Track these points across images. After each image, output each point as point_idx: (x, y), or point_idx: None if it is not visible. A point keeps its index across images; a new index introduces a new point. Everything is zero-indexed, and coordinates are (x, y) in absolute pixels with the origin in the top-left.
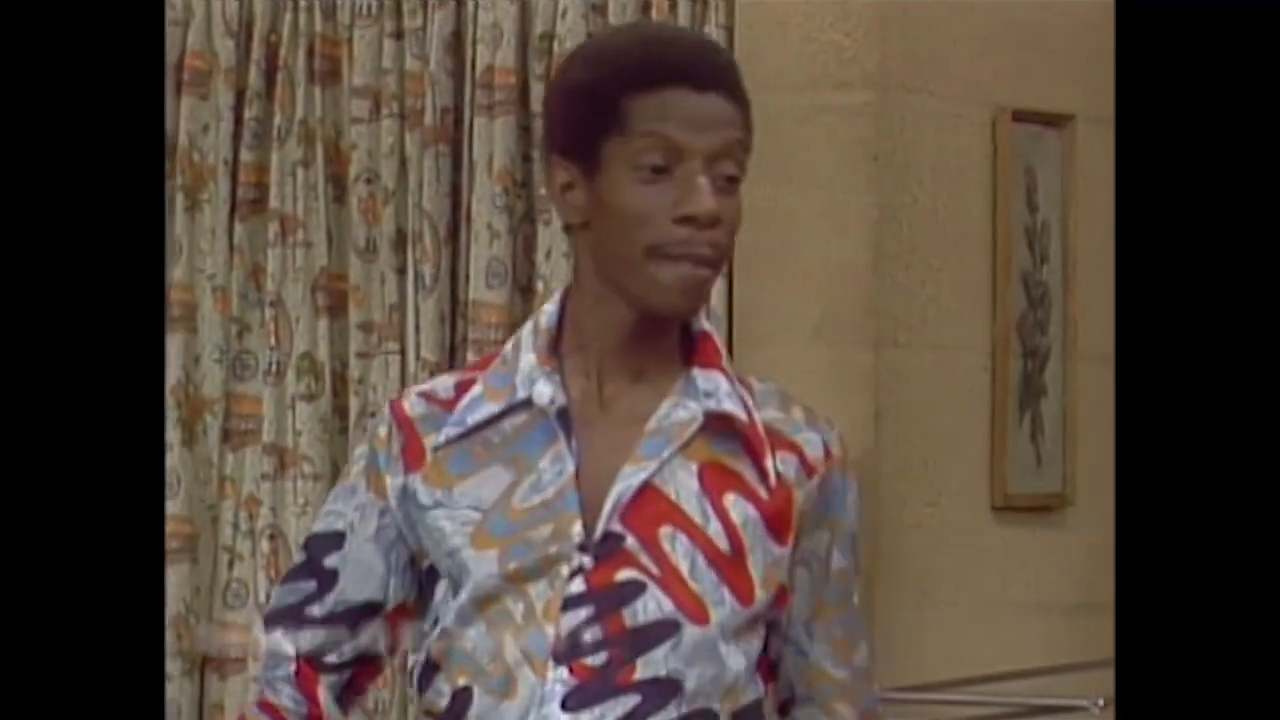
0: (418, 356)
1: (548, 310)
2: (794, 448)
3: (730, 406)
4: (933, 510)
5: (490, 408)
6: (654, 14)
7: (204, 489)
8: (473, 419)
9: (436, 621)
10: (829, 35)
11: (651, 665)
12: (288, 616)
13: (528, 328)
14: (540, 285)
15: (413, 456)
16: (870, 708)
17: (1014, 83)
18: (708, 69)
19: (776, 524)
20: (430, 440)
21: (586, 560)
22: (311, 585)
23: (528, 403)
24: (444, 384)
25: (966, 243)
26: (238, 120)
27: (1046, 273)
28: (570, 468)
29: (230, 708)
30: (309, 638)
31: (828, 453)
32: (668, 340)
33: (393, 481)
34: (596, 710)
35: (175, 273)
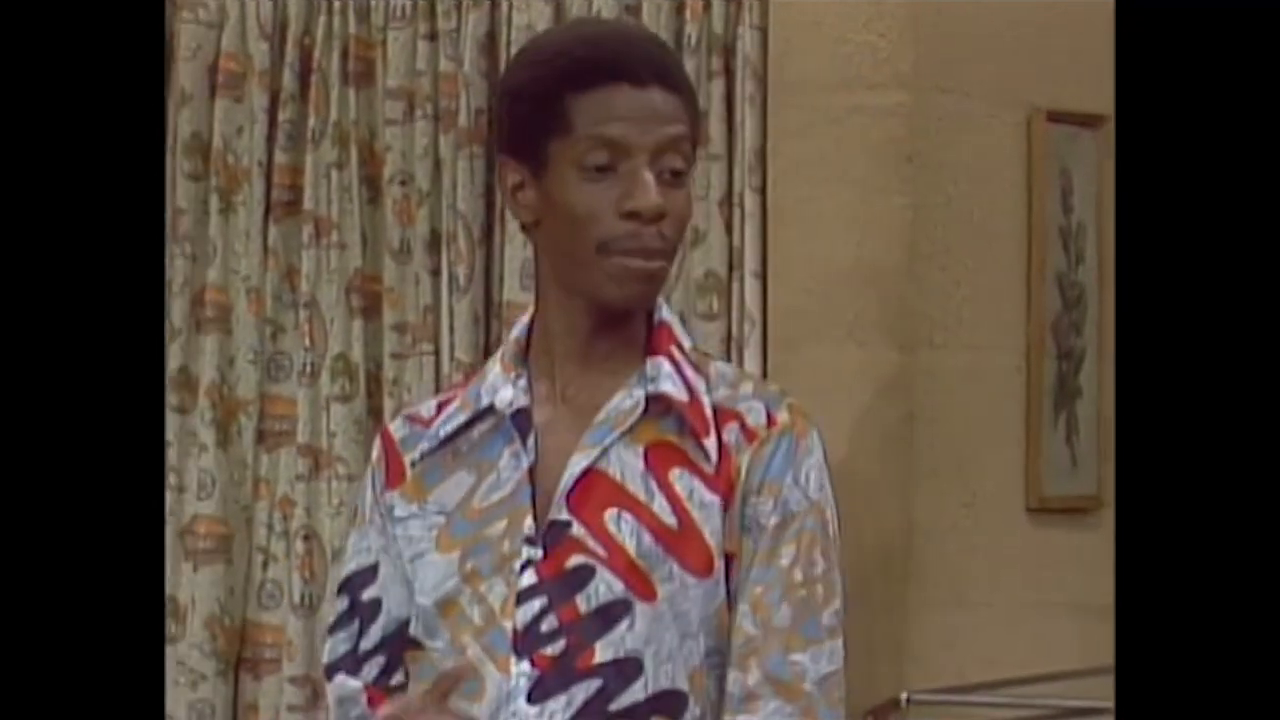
0: (452, 357)
1: (520, 322)
2: (736, 416)
3: (667, 387)
4: (967, 512)
5: (459, 418)
6: (687, 15)
7: (239, 490)
8: (444, 431)
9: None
10: (863, 36)
11: (610, 647)
12: (345, 660)
13: (505, 341)
14: None
15: (393, 475)
16: (775, 672)
17: (1048, 83)
18: (645, 64)
19: (725, 491)
20: (409, 457)
21: (535, 552)
22: (356, 625)
23: (491, 409)
24: (427, 405)
25: (1001, 243)
26: (272, 122)
27: (1081, 273)
28: (526, 464)
29: (265, 708)
30: (369, 670)
31: (770, 419)
32: (628, 334)
33: (381, 501)
34: (561, 698)
35: (210, 274)
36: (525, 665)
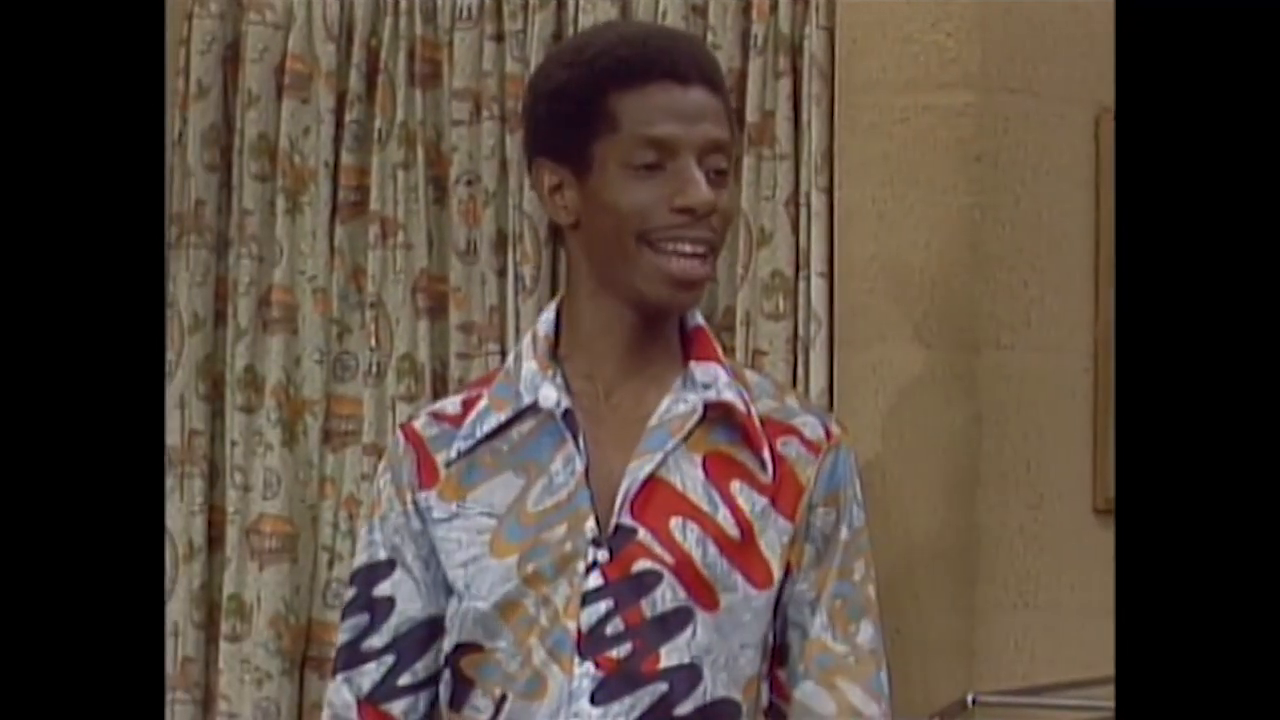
0: None
1: (545, 318)
2: (793, 430)
3: (729, 395)
4: (1034, 513)
5: (497, 417)
6: (754, 15)
7: (304, 489)
8: (482, 430)
9: (453, 637)
10: (930, 36)
11: (675, 653)
12: (347, 656)
13: (526, 339)
14: None
15: (426, 475)
16: (878, 691)
17: None
18: (689, 63)
19: (783, 504)
20: (442, 457)
21: (602, 554)
22: (365, 619)
23: (534, 408)
24: (451, 402)
25: (1069, 243)
26: (338, 123)
27: None
28: (580, 466)
29: None
30: (371, 672)
31: (828, 433)
32: (665, 337)
33: (410, 499)
34: (626, 701)
35: (276, 274)
36: (589, 666)
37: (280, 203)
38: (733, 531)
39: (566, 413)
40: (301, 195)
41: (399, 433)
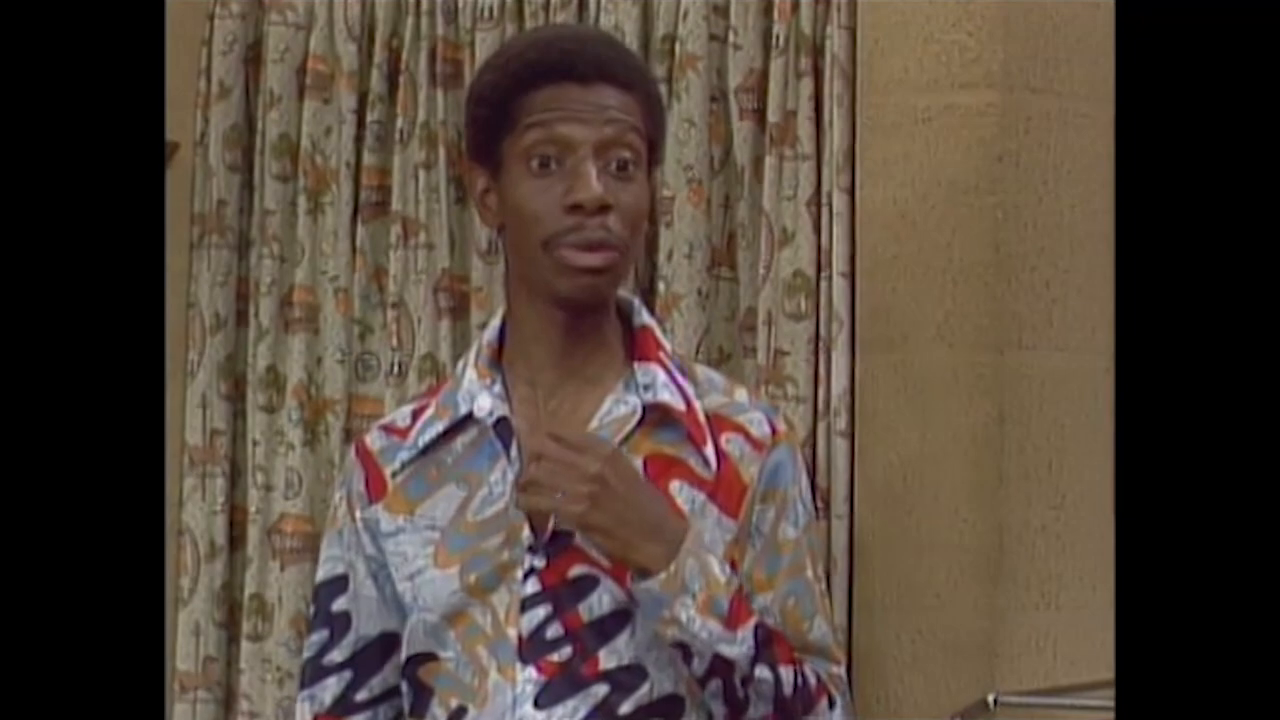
0: None
1: (491, 325)
2: (739, 428)
3: (665, 396)
4: (1057, 513)
5: (437, 426)
6: (776, 15)
7: (326, 489)
8: (423, 440)
9: (408, 648)
10: (952, 35)
11: (614, 655)
12: (310, 672)
13: (473, 346)
14: (661, 286)
15: (374, 488)
16: (827, 684)
17: None
18: (591, 63)
19: (725, 500)
20: (389, 469)
21: (538, 561)
22: (325, 634)
23: (470, 417)
24: (401, 414)
25: (1091, 243)
26: (360, 123)
27: None
28: (513, 476)
29: None
30: (332, 686)
31: (773, 429)
32: (603, 337)
33: (360, 515)
34: (570, 703)
35: (298, 274)
36: (531, 671)
37: (302, 203)
38: None
39: (499, 422)
40: (323, 195)
41: (350, 447)
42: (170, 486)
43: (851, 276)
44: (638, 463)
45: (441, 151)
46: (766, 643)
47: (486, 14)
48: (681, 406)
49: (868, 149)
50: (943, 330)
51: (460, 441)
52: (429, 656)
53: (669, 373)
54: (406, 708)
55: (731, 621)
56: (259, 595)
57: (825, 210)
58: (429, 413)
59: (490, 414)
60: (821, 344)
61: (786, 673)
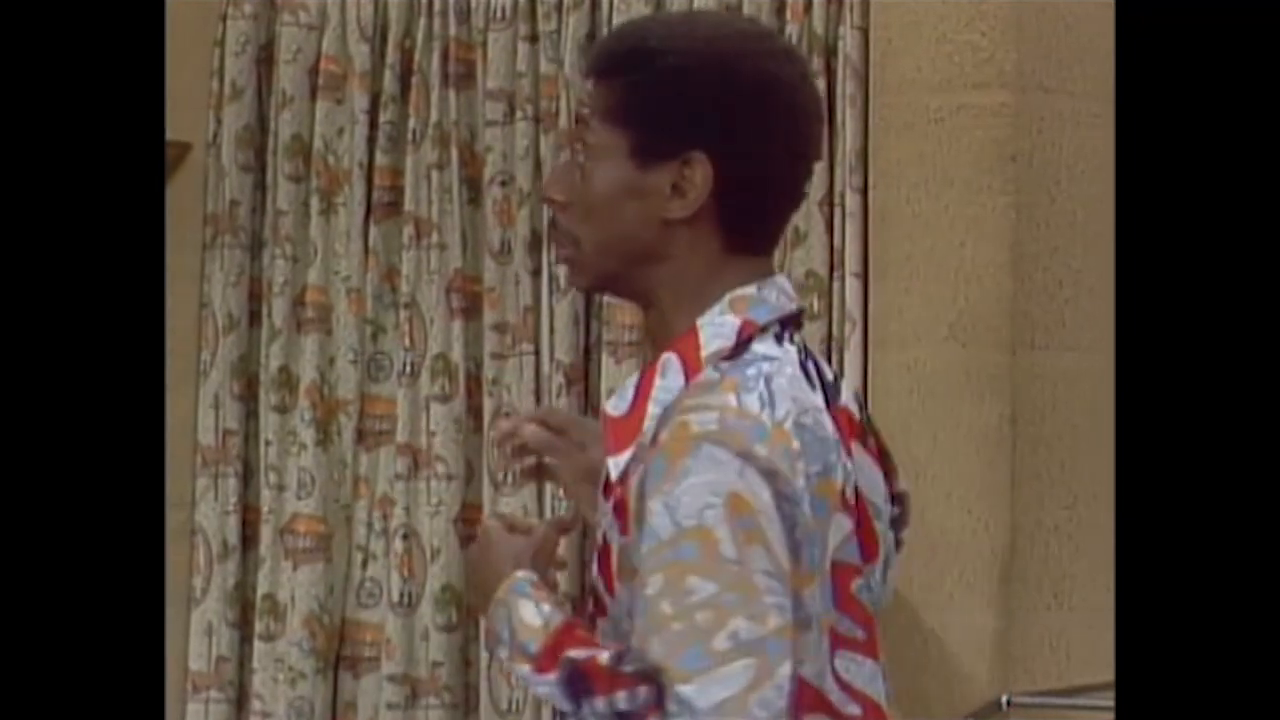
0: (552, 358)
1: None
2: (654, 440)
3: (609, 402)
4: (1069, 513)
5: None
6: (788, 15)
7: (338, 489)
8: None
9: None
10: (965, 35)
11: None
12: None
13: None
14: None
15: None
16: (667, 708)
17: None
18: (590, 57)
19: (619, 514)
20: None
21: None
22: None
23: None
24: None
25: (1104, 243)
26: (373, 124)
27: None
28: None
29: (363, 706)
30: None
31: (655, 438)
32: (651, 333)
33: None
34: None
35: (310, 275)
36: None
37: (315, 203)
38: (599, 541)
39: None
40: (336, 196)
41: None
42: (183, 486)
43: (864, 276)
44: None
45: (454, 152)
46: (577, 679)
47: (499, 14)
48: (614, 412)
49: (880, 149)
50: (955, 330)
51: None
52: None
53: (647, 373)
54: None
55: (541, 664)
56: (271, 595)
57: (838, 210)
58: None
59: None
60: (834, 344)
61: (602, 703)
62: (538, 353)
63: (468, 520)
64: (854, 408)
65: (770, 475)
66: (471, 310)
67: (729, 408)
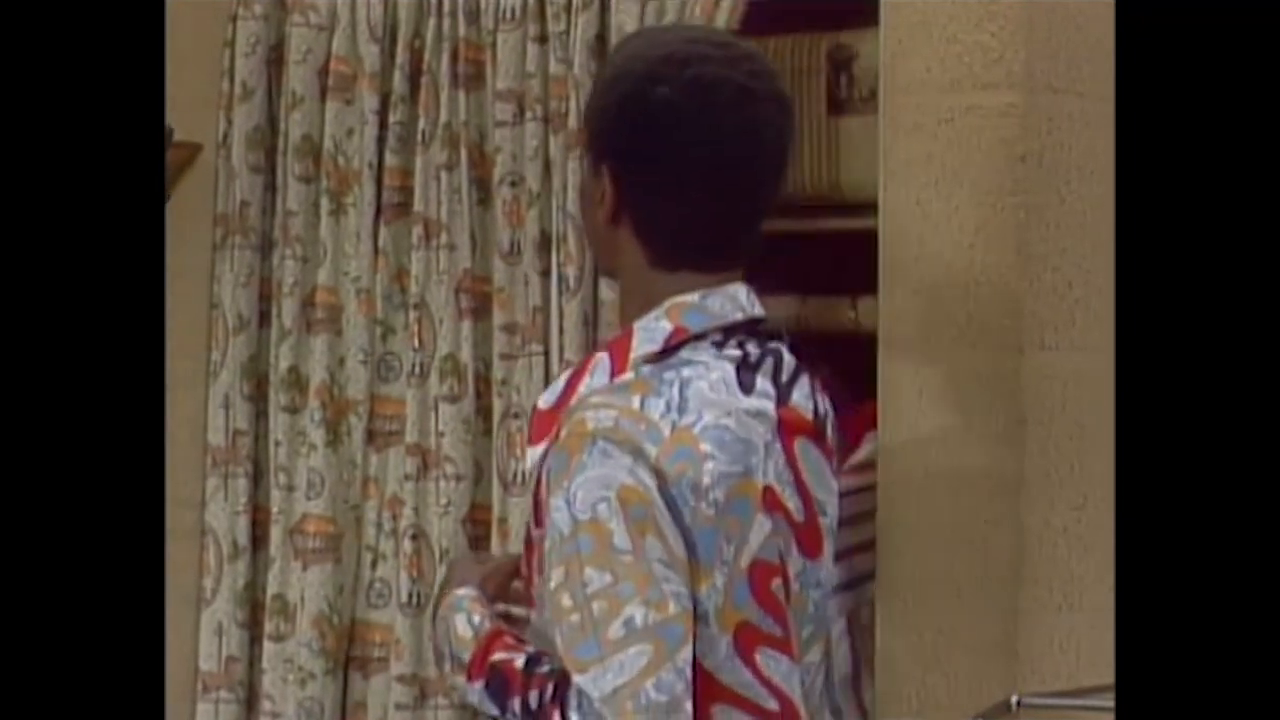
0: (561, 358)
1: None
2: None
3: (540, 394)
4: (1079, 514)
5: None
6: None
7: (347, 489)
8: None
9: None
10: (974, 36)
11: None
12: None
13: None
14: None
15: None
16: (566, 699)
17: None
18: None
19: (535, 508)
20: None
21: None
22: None
23: None
24: None
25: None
26: (382, 124)
27: None
28: None
29: (373, 707)
30: None
31: (558, 432)
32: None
33: None
34: None
35: (320, 275)
36: None
37: (324, 204)
38: (525, 536)
39: None
40: (345, 196)
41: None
42: (193, 487)
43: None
44: None
45: (464, 152)
46: (499, 683)
47: (508, 15)
48: (543, 405)
49: (890, 149)
50: (965, 331)
51: None
52: None
53: (579, 371)
54: None
55: (470, 672)
56: (281, 595)
57: None
58: None
59: None
60: None
61: (518, 704)
62: (547, 353)
63: (476, 521)
64: (806, 407)
65: (660, 474)
66: (481, 311)
67: (629, 409)
